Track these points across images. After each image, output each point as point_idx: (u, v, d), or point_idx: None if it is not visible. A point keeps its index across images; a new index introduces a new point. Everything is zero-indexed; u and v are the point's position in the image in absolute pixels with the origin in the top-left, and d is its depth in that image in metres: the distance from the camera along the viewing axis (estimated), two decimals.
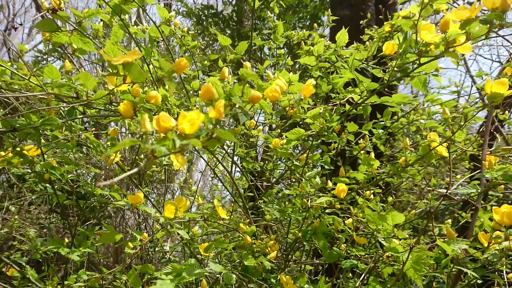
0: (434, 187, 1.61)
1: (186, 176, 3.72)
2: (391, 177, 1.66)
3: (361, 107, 1.50)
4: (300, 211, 1.30)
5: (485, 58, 13.78)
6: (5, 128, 1.08)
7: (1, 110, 1.62)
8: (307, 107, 1.23)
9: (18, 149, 1.24)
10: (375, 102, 1.47)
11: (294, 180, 2.45)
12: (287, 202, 2.08)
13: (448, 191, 1.11)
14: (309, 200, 1.24)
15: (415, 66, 1.08)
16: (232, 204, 2.14)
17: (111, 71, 0.87)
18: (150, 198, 3.12)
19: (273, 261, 1.27)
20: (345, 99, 1.42)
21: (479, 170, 1.51)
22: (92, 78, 1.04)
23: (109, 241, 1.27)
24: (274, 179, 2.60)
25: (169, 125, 0.71)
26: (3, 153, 1.49)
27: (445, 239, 1.04)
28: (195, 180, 5.37)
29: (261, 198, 2.09)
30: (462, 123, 1.00)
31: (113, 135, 1.56)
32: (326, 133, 1.45)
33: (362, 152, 1.84)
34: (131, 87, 1.04)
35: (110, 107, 1.17)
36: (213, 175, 4.59)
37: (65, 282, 1.57)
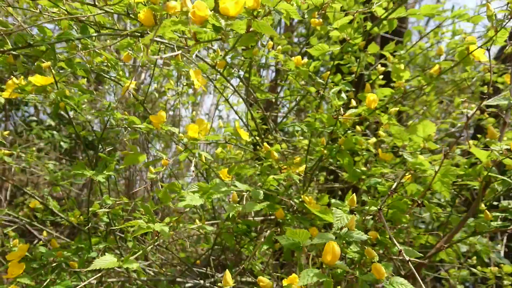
0: (457, 107, 1.57)
1: (192, 115, 3.69)
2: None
3: (385, 22, 1.42)
4: (327, 126, 1.27)
5: None
6: (20, 44, 1.03)
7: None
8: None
9: (36, 64, 1.19)
10: (400, 15, 1.40)
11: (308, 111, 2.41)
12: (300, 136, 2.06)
13: (484, 103, 1.07)
14: (337, 114, 1.20)
15: None
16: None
17: None
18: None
19: (300, 175, 1.26)
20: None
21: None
22: None
23: (133, 163, 1.26)
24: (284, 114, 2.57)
25: (205, 14, 0.66)
26: (16, 80, 1.45)
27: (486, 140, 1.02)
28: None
29: (274, 129, 2.07)
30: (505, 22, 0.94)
31: (127, 60, 1.50)
32: (350, 50, 1.39)
33: (380, 77, 1.78)
34: None
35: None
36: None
37: (90, 209, 1.59)
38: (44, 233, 1.64)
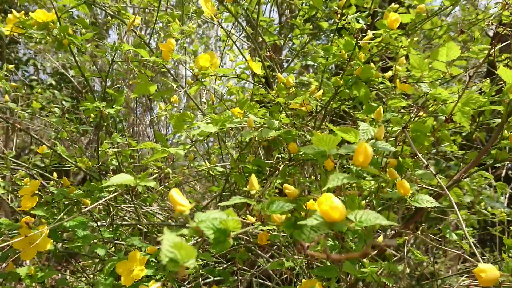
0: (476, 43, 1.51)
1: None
2: None
3: None
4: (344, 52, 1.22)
5: None
6: None
7: None
8: None
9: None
10: None
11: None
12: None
13: None
14: (357, 34, 1.15)
15: None
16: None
17: None
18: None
19: (317, 100, 1.22)
20: None
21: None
22: None
23: (143, 93, 1.22)
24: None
25: None
26: (17, 14, 1.39)
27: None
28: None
29: (281, 73, 2.01)
30: None
31: None
32: None
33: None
34: None
35: None
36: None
37: (100, 150, 1.57)
38: (54, 174, 1.62)
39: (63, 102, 4.95)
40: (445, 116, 0.96)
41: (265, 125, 1.18)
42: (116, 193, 1.11)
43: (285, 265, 1.00)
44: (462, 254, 1.22)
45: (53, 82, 5.53)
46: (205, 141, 2.16)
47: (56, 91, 5.10)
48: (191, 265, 0.48)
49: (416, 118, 1.02)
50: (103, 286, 1.21)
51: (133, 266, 1.22)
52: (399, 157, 0.98)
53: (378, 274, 0.89)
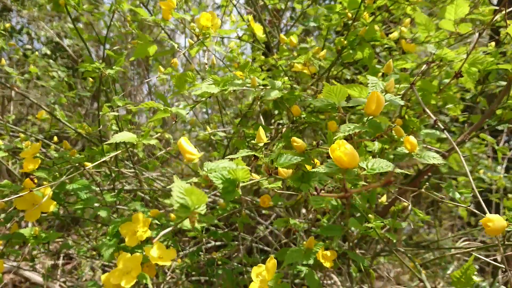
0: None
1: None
2: None
3: None
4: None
5: None
6: None
7: None
8: None
9: None
10: None
11: None
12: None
13: None
14: None
15: None
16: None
17: None
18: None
19: (321, 60, 1.20)
20: None
21: None
22: None
23: (143, 55, 1.19)
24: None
25: None
26: None
27: None
28: None
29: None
30: None
31: None
32: None
33: None
34: None
35: None
36: None
37: (101, 113, 1.55)
38: (55, 138, 1.61)
39: (59, 72, 4.88)
40: (455, 72, 0.94)
41: (268, 87, 1.16)
42: (119, 151, 1.10)
43: (290, 222, 1.01)
44: (457, 224, 1.23)
45: (48, 52, 5.44)
46: (205, 108, 2.14)
47: (51, 61, 5.02)
48: (202, 211, 0.47)
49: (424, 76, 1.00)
50: (106, 247, 1.22)
51: (137, 227, 1.23)
52: (405, 116, 0.97)
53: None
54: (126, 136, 0.81)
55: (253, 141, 0.73)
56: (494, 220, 0.62)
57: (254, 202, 1.55)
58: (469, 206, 0.94)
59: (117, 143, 1.89)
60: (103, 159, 1.51)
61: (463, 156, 1.68)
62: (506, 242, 0.79)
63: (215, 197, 2.00)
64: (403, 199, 0.57)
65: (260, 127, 0.69)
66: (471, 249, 0.93)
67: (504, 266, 0.79)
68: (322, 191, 0.54)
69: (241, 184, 0.58)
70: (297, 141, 0.68)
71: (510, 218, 0.64)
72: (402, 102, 0.73)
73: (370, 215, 0.89)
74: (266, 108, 1.76)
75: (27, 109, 4.54)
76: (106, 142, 0.88)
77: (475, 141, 2.00)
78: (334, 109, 0.67)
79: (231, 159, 0.56)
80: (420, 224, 2.40)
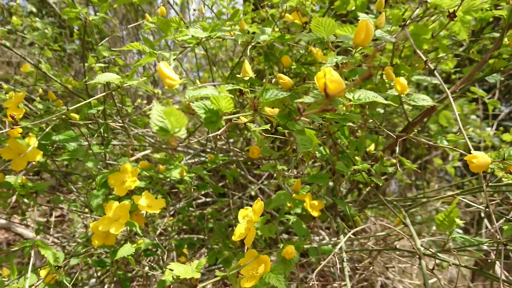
0: None
1: None
2: None
3: None
4: None
5: None
6: None
7: None
8: None
9: None
10: None
11: None
12: None
13: None
14: None
15: None
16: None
17: None
18: None
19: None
20: None
21: None
22: None
23: (126, 1, 1.15)
24: None
25: None
26: None
27: None
28: None
29: None
30: None
31: None
32: None
33: None
34: None
35: None
36: None
37: (85, 65, 1.51)
38: (40, 90, 1.57)
39: (45, 31, 4.73)
40: (448, 12, 0.92)
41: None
42: (107, 92, 1.07)
43: (278, 168, 1.01)
44: (443, 186, 1.24)
45: (34, 9, 5.25)
46: (196, 69, 2.10)
47: (37, 19, 4.85)
48: (182, 135, 0.46)
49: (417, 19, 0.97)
50: (95, 197, 1.22)
51: (125, 177, 1.22)
52: (397, 62, 0.95)
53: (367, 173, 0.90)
54: (109, 76, 0.78)
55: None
56: (479, 157, 0.62)
57: (244, 153, 1.55)
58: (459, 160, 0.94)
59: (105, 98, 1.87)
60: (91, 111, 1.48)
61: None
62: (490, 184, 0.80)
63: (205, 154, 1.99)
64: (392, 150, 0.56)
65: (246, 60, 0.67)
66: (455, 193, 0.94)
67: (487, 209, 0.80)
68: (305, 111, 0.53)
69: (224, 117, 0.57)
70: (283, 78, 0.66)
71: (496, 155, 0.64)
72: (393, 39, 0.71)
73: (356, 157, 0.89)
74: (258, 64, 1.73)
75: (14, 70, 4.43)
76: (89, 82, 0.86)
77: (466, 97, 2.00)
78: (322, 43, 0.65)
79: (214, 85, 0.54)
80: (408, 181, 2.44)
